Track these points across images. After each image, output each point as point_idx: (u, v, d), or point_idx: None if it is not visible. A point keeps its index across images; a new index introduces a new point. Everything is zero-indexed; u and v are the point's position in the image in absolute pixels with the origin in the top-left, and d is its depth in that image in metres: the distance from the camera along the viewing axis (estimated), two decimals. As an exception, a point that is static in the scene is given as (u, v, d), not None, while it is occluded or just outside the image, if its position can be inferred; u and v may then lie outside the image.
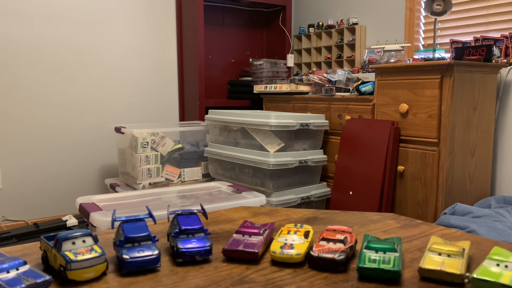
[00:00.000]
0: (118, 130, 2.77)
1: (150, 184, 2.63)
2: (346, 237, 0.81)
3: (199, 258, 0.80)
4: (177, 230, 0.82)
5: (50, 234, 0.92)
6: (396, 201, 2.36)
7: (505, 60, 2.36)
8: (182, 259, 0.79)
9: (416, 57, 2.83)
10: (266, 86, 3.14)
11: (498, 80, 2.40)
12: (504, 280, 0.64)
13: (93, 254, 0.72)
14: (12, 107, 2.90)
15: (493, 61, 2.34)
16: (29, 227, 2.57)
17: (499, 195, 2.35)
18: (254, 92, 3.29)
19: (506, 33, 2.41)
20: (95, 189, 3.25)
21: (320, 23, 3.56)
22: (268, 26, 3.93)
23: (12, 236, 2.46)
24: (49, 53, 3.00)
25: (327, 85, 2.89)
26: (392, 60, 2.54)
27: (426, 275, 0.72)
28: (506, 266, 0.67)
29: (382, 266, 0.72)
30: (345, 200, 2.49)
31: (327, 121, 2.70)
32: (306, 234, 0.85)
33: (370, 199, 2.35)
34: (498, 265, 0.67)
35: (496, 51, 2.38)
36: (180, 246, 0.79)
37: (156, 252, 0.77)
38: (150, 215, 0.87)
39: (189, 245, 0.80)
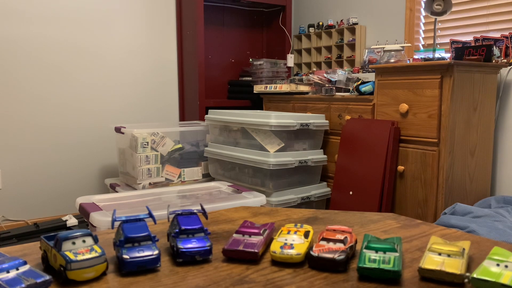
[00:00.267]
0: (118, 130, 2.77)
1: (150, 184, 2.63)
2: (346, 237, 0.81)
3: (199, 258, 0.80)
4: (177, 230, 0.82)
5: (50, 234, 0.92)
6: (396, 201, 2.36)
7: (505, 60, 2.36)
8: (182, 259, 0.79)
9: (416, 57, 2.83)
10: (266, 86, 3.14)
11: (498, 80, 2.40)
12: (504, 280, 0.64)
13: (93, 254, 0.72)
14: (12, 107, 2.90)
15: (493, 61, 2.34)
16: (29, 227, 2.57)
17: (499, 195, 2.35)
18: (254, 92, 3.29)
19: (506, 33, 2.41)
20: (95, 189, 3.25)
21: (320, 23, 3.56)
22: (268, 26, 3.93)
23: (12, 236, 2.46)
24: (49, 53, 3.00)
25: (327, 85, 2.89)
26: (392, 60, 2.54)
27: (426, 275, 0.72)
28: (506, 266, 0.67)
29: (382, 266, 0.72)
30: (345, 200, 2.49)
31: (327, 121, 2.70)
32: (306, 234, 0.85)
33: (370, 199, 2.35)
34: (498, 265, 0.67)
35: (496, 51, 2.38)
36: (180, 246, 0.79)
37: (156, 252, 0.77)
38: (150, 215, 0.87)
39: (189, 245, 0.80)
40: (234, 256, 0.81)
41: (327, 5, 3.60)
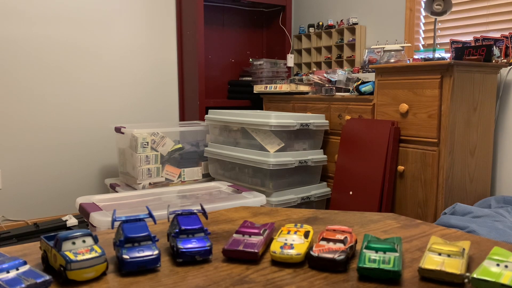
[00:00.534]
0: (118, 130, 2.77)
1: (150, 184, 2.63)
2: (346, 237, 0.81)
3: (199, 258, 0.80)
4: (177, 230, 0.82)
5: (50, 234, 0.92)
6: (396, 201, 2.36)
7: (505, 60, 2.36)
8: (182, 259, 0.79)
9: (416, 57, 2.83)
10: (266, 86, 3.14)
11: (498, 80, 2.40)
12: (504, 280, 0.64)
13: (93, 254, 0.72)
14: (12, 107, 2.90)
15: (493, 61, 2.34)
16: (29, 227, 2.57)
17: (499, 195, 2.35)
18: (254, 92, 3.29)
19: (506, 33, 2.41)
20: (95, 189, 3.25)
21: (320, 23, 3.56)
22: (268, 26, 3.93)
23: (12, 236, 2.46)
24: (49, 53, 3.01)
25: (327, 85, 2.89)
26: (392, 60, 2.54)
27: (426, 275, 0.72)
28: (506, 266, 0.67)
29: (382, 266, 0.72)
30: (345, 200, 2.49)
31: (327, 121, 2.70)
32: (306, 234, 0.85)
33: (370, 199, 2.35)
34: (498, 265, 0.67)
35: (496, 51, 2.38)
36: (180, 246, 0.79)
37: (156, 252, 0.77)
38: (150, 215, 0.87)
39: (189, 245, 0.80)
40: (234, 256, 0.81)
41: (327, 5, 3.60)
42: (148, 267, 0.76)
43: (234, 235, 0.86)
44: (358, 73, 3.07)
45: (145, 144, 2.61)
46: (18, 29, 2.89)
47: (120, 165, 2.88)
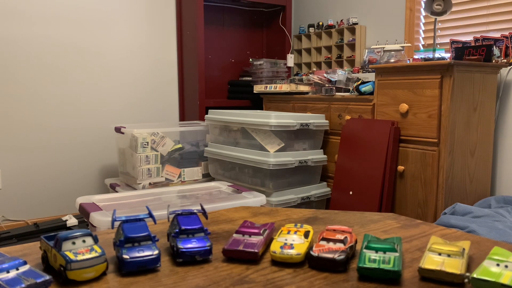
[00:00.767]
0: (118, 130, 2.77)
1: (150, 184, 2.63)
2: (346, 237, 0.81)
3: (199, 258, 0.80)
4: (177, 230, 0.82)
5: (50, 234, 0.92)
6: (396, 201, 2.36)
7: (505, 60, 2.36)
8: (182, 259, 0.79)
9: (416, 57, 2.83)
10: (266, 86, 3.14)
11: (498, 80, 2.40)
12: (504, 280, 0.64)
13: (93, 254, 0.72)
14: (12, 107, 2.90)
15: (493, 61, 2.34)
16: (29, 227, 2.57)
17: (499, 195, 2.35)
18: (254, 92, 3.29)
19: (506, 33, 2.41)
20: (95, 189, 3.25)
21: (320, 23, 3.56)
22: (268, 26, 3.93)
23: (12, 236, 2.46)
24: (49, 53, 3.01)
25: (327, 85, 2.89)
26: (392, 60, 2.54)
27: (426, 275, 0.72)
28: (506, 266, 0.67)
29: (382, 266, 0.72)
30: (345, 200, 2.49)
31: (327, 121, 2.70)
32: (306, 234, 0.85)
33: (370, 199, 2.35)
34: (498, 265, 0.67)
35: (496, 51, 2.38)
36: (180, 246, 0.79)
37: (156, 252, 0.77)
38: (150, 215, 0.87)
39: (189, 245, 0.80)
40: (234, 256, 0.81)
41: (327, 5, 3.60)
42: (148, 267, 0.76)
43: (234, 235, 0.86)
44: (358, 73, 3.07)
45: (145, 144, 2.61)
46: (18, 29, 2.89)
47: (120, 165, 2.88)
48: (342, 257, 0.76)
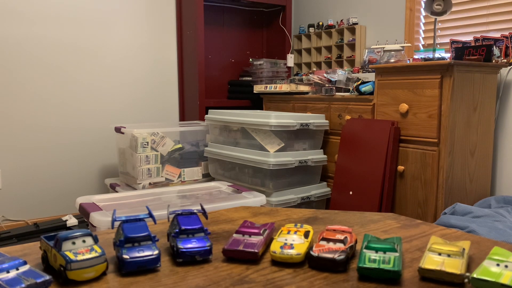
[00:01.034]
0: (118, 130, 2.77)
1: (150, 184, 2.63)
2: (346, 237, 0.81)
3: (199, 258, 0.80)
4: (177, 230, 0.82)
5: (50, 234, 0.92)
6: (396, 201, 2.36)
7: (505, 60, 2.36)
8: (182, 259, 0.79)
9: (416, 57, 2.83)
10: (266, 86, 3.14)
11: (498, 80, 2.40)
12: (504, 280, 0.64)
13: (93, 254, 0.72)
14: (12, 107, 2.90)
15: (493, 61, 2.34)
16: (29, 227, 2.57)
17: (499, 195, 2.35)
18: (254, 92, 3.29)
19: (506, 33, 2.41)
20: (95, 189, 3.25)
21: (320, 23, 3.56)
22: (268, 26, 3.93)
23: (12, 236, 2.46)
24: (49, 53, 3.00)
25: (327, 85, 2.89)
26: (392, 60, 2.54)
27: (426, 275, 0.72)
28: (506, 266, 0.67)
29: (382, 266, 0.72)
30: (345, 200, 2.49)
31: (327, 121, 2.70)
32: (306, 234, 0.85)
33: (370, 199, 2.35)
34: (498, 265, 0.67)
35: (496, 51, 2.38)
36: (180, 246, 0.79)
37: (156, 252, 0.77)
38: (150, 215, 0.87)
39: (189, 245, 0.80)
40: (234, 256, 0.81)
41: (327, 5, 3.60)
42: (148, 267, 0.76)
43: (234, 235, 0.86)
44: (358, 73, 3.07)
45: (145, 144, 2.61)
46: (18, 29, 2.89)
47: (120, 165, 2.88)
48: (342, 257, 0.76)
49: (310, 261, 0.78)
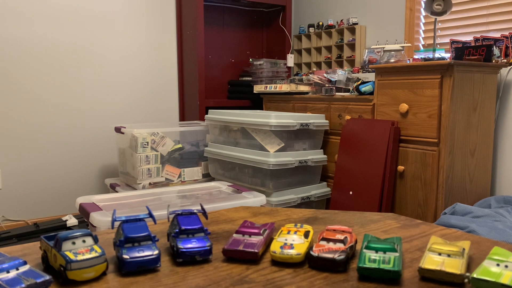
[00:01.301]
0: (118, 130, 2.77)
1: (150, 184, 2.63)
2: (346, 237, 0.81)
3: (199, 258, 0.80)
4: (177, 230, 0.82)
5: (50, 234, 0.92)
6: (396, 201, 2.36)
7: (505, 60, 2.36)
8: (182, 259, 0.79)
9: (416, 57, 2.83)
10: (266, 86, 3.14)
11: (498, 80, 2.40)
12: (504, 280, 0.64)
13: (93, 254, 0.72)
14: (12, 107, 2.90)
15: (493, 61, 2.34)
16: (29, 227, 2.57)
17: (499, 195, 2.35)
18: (254, 92, 3.29)
19: (506, 33, 2.41)
20: (95, 189, 3.25)
21: (320, 23, 3.56)
22: (268, 26, 3.93)
23: (12, 236, 2.46)
24: (49, 53, 3.01)
25: (327, 85, 2.89)
26: (392, 60, 2.54)
27: (426, 275, 0.72)
28: (506, 266, 0.67)
29: (382, 266, 0.72)
30: (345, 200, 2.49)
31: (327, 121, 2.70)
32: (306, 234, 0.85)
33: (370, 199, 2.35)
34: (498, 265, 0.67)
35: (496, 51, 2.38)
36: (180, 246, 0.79)
37: (156, 252, 0.77)
38: (150, 215, 0.87)
39: (189, 245, 0.80)
40: (234, 256, 0.81)
41: (327, 5, 3.60)
42: (148, 267, 0.76)
43: (234, 235, 0.86)
44: (358, 73, 3.07)
45: (145, 144, 2.61)
46: (18, 29, 2.89)
47: (120, 165, 2.88)
48: (342, 257, 0.76)
49: (310, 261, 0.78)
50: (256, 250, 0.80)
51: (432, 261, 0.73)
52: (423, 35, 2.93)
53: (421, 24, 2.93)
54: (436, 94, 2.13)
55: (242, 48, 3.87)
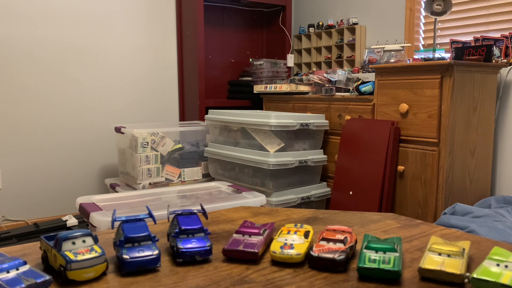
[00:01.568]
0: (118, 130, 2.77)
1: (150, 184, 2.63)
2: (346, 237, 0.81)
3: (199, 258, 0.80)
4: (177, 230, 0.82)
5: (50, 234, 0.92)
6: (396, 201, 2.36)
7: (505, 60, 2.36)
8: (182, 259, 0.79)
9: (416, 57, 2.83)
10: (266, 86, 3.14)
11: (498, 80, 2.40)
12: (504, 280, 0.64)
13: (93, 254, 0.72)
14: (12, 107, 2.90)
15: (493, 61, 2.34)
16: (29, 227, 2.57)
17: (499, 195, 2.35)
18: (254, 92, 3.29)
19: (506, 33, 2.41)
20: (95, 189, 3.25)
21: (320, 23, 3.56)
22: (268, 26, 3.93)
23: (12, 236, 2.46)
24: (49, 53, 3.00)
25: (327, 85, 2.89)
26: (392, 60, 2.54)
27: (426, 275, 0.72)
28: (506, 266, 0.67)
29: (382, 266, 0.72)
30: (345, 200, 2.49)
31: (327, 121, 2.70)
32: (306, 234, 0.85)
33: (370, 199, 2.35)
34: (498, 265, 0.67)
35: (496, 51, 2.38)
36: (180, 246, 0.79)
37: (156, 252, 0.77)
38: (150, 215, 0.87)
39: (189, 245, 0.80)
40: (234, 256, 0.81)
41: (327, 5, 3.60)
42: (148, 267, 0.76)
43: (234, 235, 0.86)
44: (358, 73, 3.07)
45: (145, 144, 2.61)
46: (18, 29, 2.89)
47: (120, 165, 2.88)
48: (342, 257, 0.76)
49: (310, 261, 0.78)
50: (256, 250, 0.80)
51: (432, 261, 0.73)
52: (423, 35, 2.93)
53: (421, 24, 2.93)
54: (436, 94, 2.13)
55: (242, 48, 3.87)
